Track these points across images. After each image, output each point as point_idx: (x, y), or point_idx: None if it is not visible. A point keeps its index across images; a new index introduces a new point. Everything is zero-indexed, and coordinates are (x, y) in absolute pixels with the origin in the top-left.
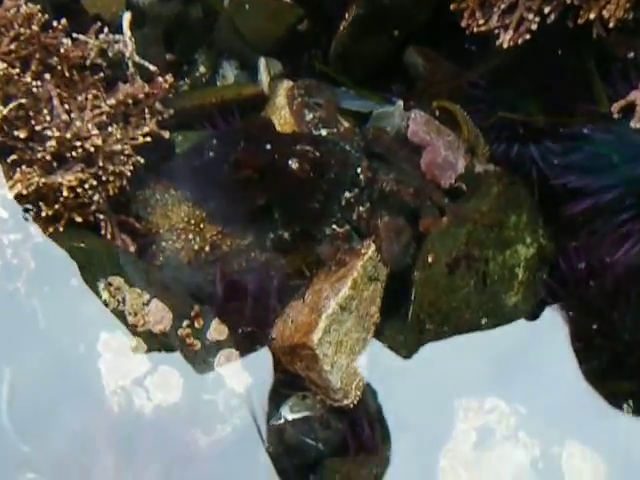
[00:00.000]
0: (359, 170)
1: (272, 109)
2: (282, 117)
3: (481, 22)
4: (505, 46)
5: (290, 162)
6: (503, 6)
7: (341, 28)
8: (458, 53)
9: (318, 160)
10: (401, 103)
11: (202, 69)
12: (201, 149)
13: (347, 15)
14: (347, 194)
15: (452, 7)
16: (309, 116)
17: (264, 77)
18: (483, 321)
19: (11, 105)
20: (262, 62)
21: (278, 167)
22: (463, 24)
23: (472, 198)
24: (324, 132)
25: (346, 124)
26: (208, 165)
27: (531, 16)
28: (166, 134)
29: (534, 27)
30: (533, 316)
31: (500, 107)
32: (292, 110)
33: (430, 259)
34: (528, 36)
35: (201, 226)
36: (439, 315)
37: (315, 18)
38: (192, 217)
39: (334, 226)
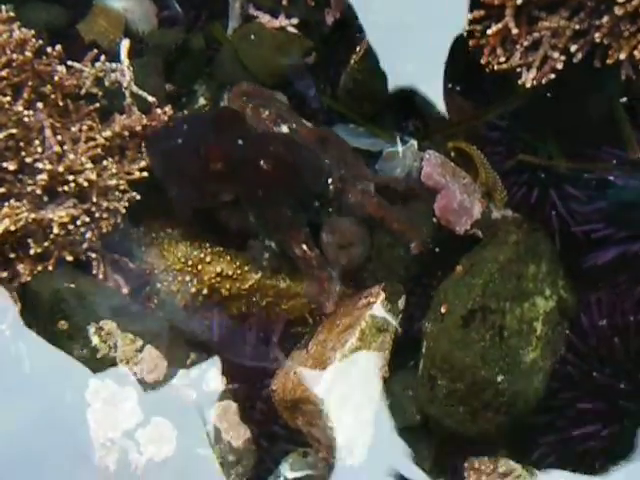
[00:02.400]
0: (330, 180)
1: None
2: None
3: (502, 59)
4: (528, 86)
5: (262, 162)
6: (526, 43)
7: (352, 62)
8: (475, 91)
9: (291, 163)
10: (414, 142)
11: (202, 101)
12: (171, 133)
13: (358, 48)
14: (316, 204)
15: (471, 43)
16: (265, 113)
17: None
18: (499, 378)
19: (0, 135)
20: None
21: (249, 164)
22: (483, 61)
23: (489, 245)
24: (284, 128)
25: (309, 124)
26: (177, 151)
27: (556, 55)
28: None
29: (559, 66)
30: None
31: (519, 149)
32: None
33: (443, 310)
34: (553, 76)
35: (199, 268)
36: (452, 371)
37: (324, 50)
38: (189, 258)
39: (304, 246)
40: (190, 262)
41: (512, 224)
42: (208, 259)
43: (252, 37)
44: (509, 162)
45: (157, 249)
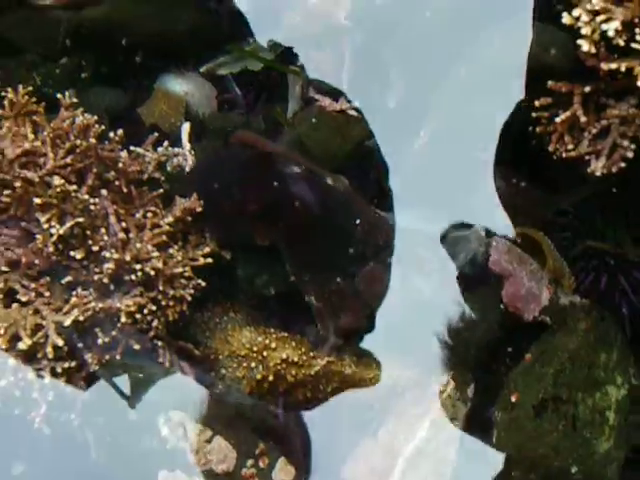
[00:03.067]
0: (357, 221)
1: None
2: None
3: (570, 147)
4: (597, 174)
5: (297, 202)
6: (594, 131)
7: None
8: (541, 176)
9: (324, 204)
10: (478, 227)
11: None
12: (208, 177)
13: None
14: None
15: (538, 130)
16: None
17: None
18: (573, 469)
19: (68, 224)
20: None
21: (285, 206)
22: (551, 148)
23: (558, 333)
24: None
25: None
26: (213, 194)
27: (626, 143)
28: (228, 255)
29: (630, 155)
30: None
31: (587, 236)
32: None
33: (514, 399)
34: (623, 164)
35: (264, 354)
36: (526, 462)
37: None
38: (254, 343)
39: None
40: (255, 348)
41: (581, 311)
42: (273, 345)
43: (313, 120)
44: (577, 248)
45: (221, 334)
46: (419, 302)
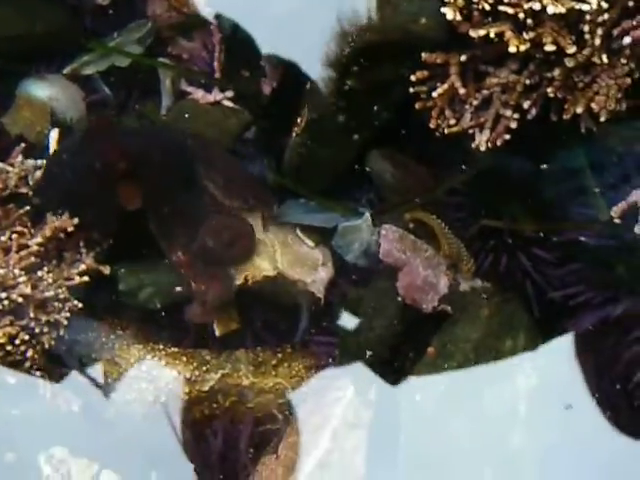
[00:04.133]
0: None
1: None
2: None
3: (452, 122)
4: (483, 148)
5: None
6: (476, 102)
7: (294, 135)
8: (430, 155)
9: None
10: (368, 215)
11: None
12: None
13: (300, 120)
14: None
15: (417, 106)
16: None
17: None
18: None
19: None
20: None
21: (143, 164)
22: (432, 125)
23: (460, 322)
24: None
25: None
26: (72, 182)
27: (509, 112)
28: (106, 270)
29: (514, 125)
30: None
31: (482, 214)
32: None
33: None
34: (508, 136)
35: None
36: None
37: (264, 122)
38: (144, 362)
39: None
40: (144, 367)
41: (483, 296)
42: (163, 362)
43: (186, 115)
44: (472, 228)
45: (108, 355)
46: None
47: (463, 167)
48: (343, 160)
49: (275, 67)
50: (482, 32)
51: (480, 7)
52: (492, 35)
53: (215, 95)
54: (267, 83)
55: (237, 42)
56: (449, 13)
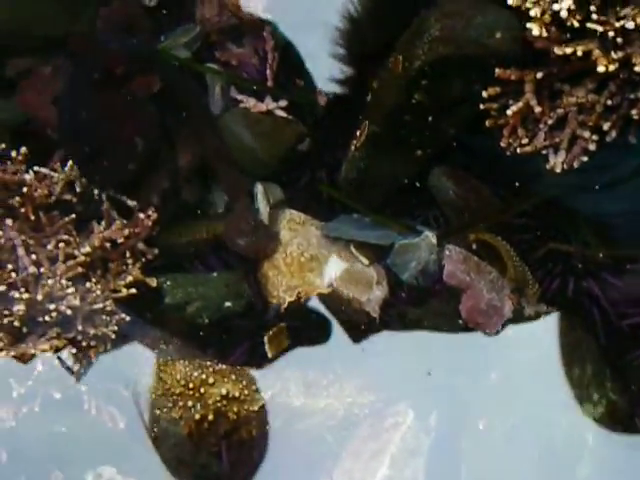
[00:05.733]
0: None
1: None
2: (288, 255)
3: (525, 141)
4: (558, 170)
5: None
6: (550, 121)
7: (352, 148)
8: (496, 174)
9: None
10: (429, 233)
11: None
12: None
13: (359, 133)
14: None
15: (488, 123)
16: None
17: (262, 206)
18: None
19: None
20: (259, 189)
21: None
22: (503, 143)
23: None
24: None
25: None
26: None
27: (587, 134)
28: (153, 282)
29: (592, 147)
30: None
31: (550, 237)
32: None
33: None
34: (585, 158)
35: (201, 390)
36: None
37: (318, 134)
38: (190, 379)
39: None
40: (191, 384)
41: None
42: (211, 380)
43: (238, 126)
44: (539, 252)
45: (152, 370)
46: None
47: (532, 189)
48: (403, 176)
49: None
50: (568, 50)
51: (568, 24)
52: (579, 53)
53: (268, 104)
54: (323, 93)
55: (292, 50)
56: (535, 29)
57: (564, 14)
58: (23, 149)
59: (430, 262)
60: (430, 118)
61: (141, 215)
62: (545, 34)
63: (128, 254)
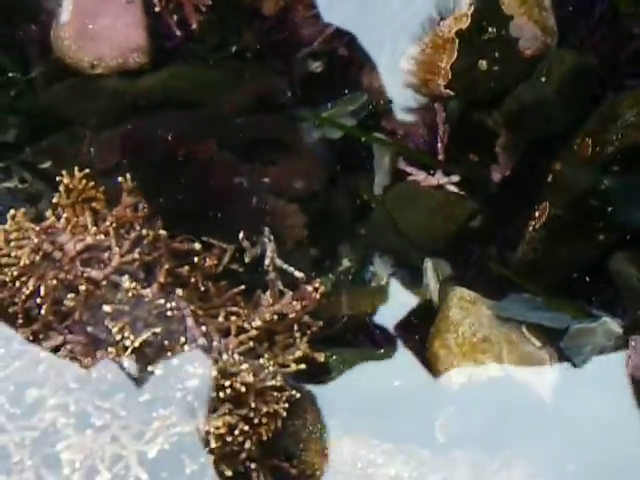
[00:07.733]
0: None
1: (444, 323)
2: (460, 335)
3: None
4: None
5: None
6: None
7: (530, 229)
8: None
9: None
10: (607, 319)
11: (346, 263)
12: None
13: (538, 214)
14: None
15: None
16: None
17: (432, 283)
18: None
19: (144, 335)
20: (429, 265)
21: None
22: None
23: None
24: None
25: None
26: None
27: None
28: (321, 357)
29: None
30: None
31: None
32: None
33: None
34: None
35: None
36: None
37: (490, 212)
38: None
39: None
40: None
41: None
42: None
43: (406, 198)
44: None
45: (317, 445)
46: None
47: None
48: (582, 260)
49: (510, 154)
50: None
51: None
52: None
53: (438, 179)
54: (498, 170)
55: (466, 123)
56: None
57: None
58: None
59: (607, 349)
60: (619, 204)
61: (308, 287)
62: None
63: (296, 328)
